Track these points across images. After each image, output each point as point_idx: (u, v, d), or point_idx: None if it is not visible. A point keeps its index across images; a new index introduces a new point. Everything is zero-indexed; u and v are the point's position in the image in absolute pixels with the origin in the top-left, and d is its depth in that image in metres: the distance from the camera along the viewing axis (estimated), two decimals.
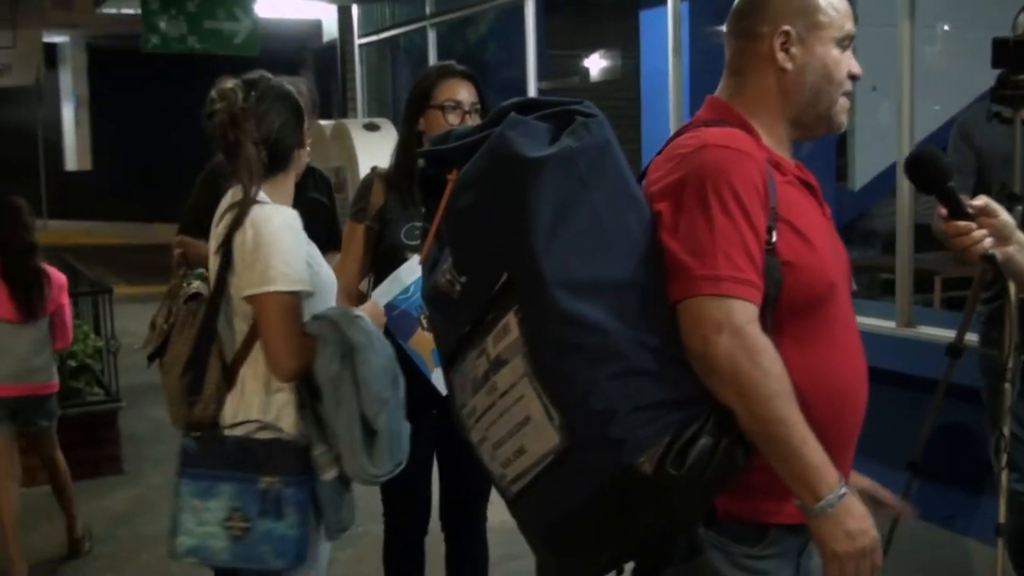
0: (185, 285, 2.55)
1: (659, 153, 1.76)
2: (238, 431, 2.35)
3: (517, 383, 1.61)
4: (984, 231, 1.85)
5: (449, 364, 1.82)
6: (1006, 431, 2.73)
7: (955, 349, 3.05)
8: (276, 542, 2.32)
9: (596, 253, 1.56)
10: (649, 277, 1.57)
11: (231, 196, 2.42)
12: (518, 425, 1.63)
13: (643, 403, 1.53)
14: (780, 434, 1.51)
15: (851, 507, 1.55)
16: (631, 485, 1.53)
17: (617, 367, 1.53)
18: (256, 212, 2.33)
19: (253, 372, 2.37)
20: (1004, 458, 2.72)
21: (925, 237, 4.02)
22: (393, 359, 2.40)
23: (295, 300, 2.33)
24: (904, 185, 4.32)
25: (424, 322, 2.76)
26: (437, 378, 2.75)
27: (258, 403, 2.36)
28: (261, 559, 2.33)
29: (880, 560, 1.58)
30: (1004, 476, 2.74)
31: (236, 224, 2.33)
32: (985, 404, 3.30)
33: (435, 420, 2.95)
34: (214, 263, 2.41)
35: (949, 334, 3.90)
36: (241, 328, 2.38)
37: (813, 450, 1.53)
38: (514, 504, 1.74)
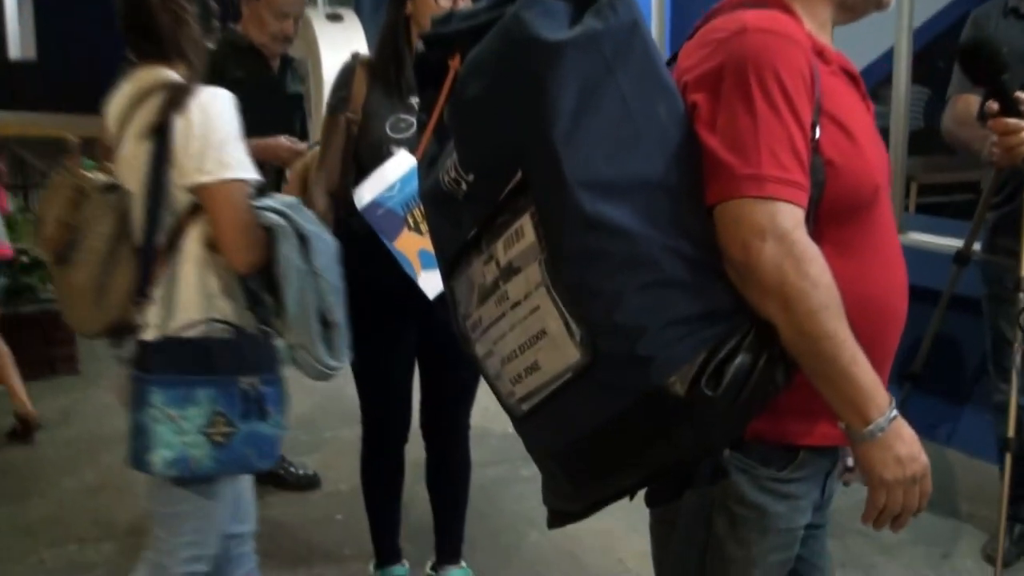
0: (86, 175, 2.32)
1: (690, 38, 1.58)
2: (193, 332, 2.20)
3: (532, 293, 1.45)
4: None
5: (450, 270, 1.66)
6: (1017, 344, 2.63)
7: (963, 257, 2.93)
8: (261, 443, 2.23)
9: (624, 148, 1.39)
10: (682, 176, 1.41)
11: (143, 77, 2.23)
12: (532, 339, 1.48)
13: (675, 317, 1.38)
14: (828, 351, 1.38)
15: (901, 431, 1.43)
16: (659, 406, 1.39)
17: (646, 277, 1.38)
18: (202, 95, 2.16)
19: (193, 268, 2.21)
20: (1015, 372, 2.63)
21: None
22: (337, 248, 2.32)
23: (249, 188, 2.19)
24: (901, 81, 3.92)
25: (411, 222, 2.60)
26: (424, 281, 2.60)
27: (201, 301, 2.21)
28: (245, 463, 2.23)
29: (929, 487, 1.46)
30: (1014, 390, 2.64)
31: (175, 107, 2.14)
32: (986, 314, 3.20)
33: (418, 324, 2.80)
34: (136, 150, 2.19)
35: (938, 240, 3.81)
36: (168, 221, 2.20)
37: (863, 369, 1.40)
38: (523, 423, 1.60)
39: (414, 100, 2.67)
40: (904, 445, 1.42)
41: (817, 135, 1.44)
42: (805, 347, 1.38)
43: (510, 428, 1.64)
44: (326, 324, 2.27)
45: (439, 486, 3.03)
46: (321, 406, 4.71)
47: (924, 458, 1.44)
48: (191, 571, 2.28)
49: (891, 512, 1.46)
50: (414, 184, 2.54)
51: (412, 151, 2.62)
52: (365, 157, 2.67)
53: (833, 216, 1.47)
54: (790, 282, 1.36)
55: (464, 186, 1.53)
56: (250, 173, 2.18)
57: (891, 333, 1.57)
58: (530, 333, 1.48)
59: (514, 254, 1.47)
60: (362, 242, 2.62)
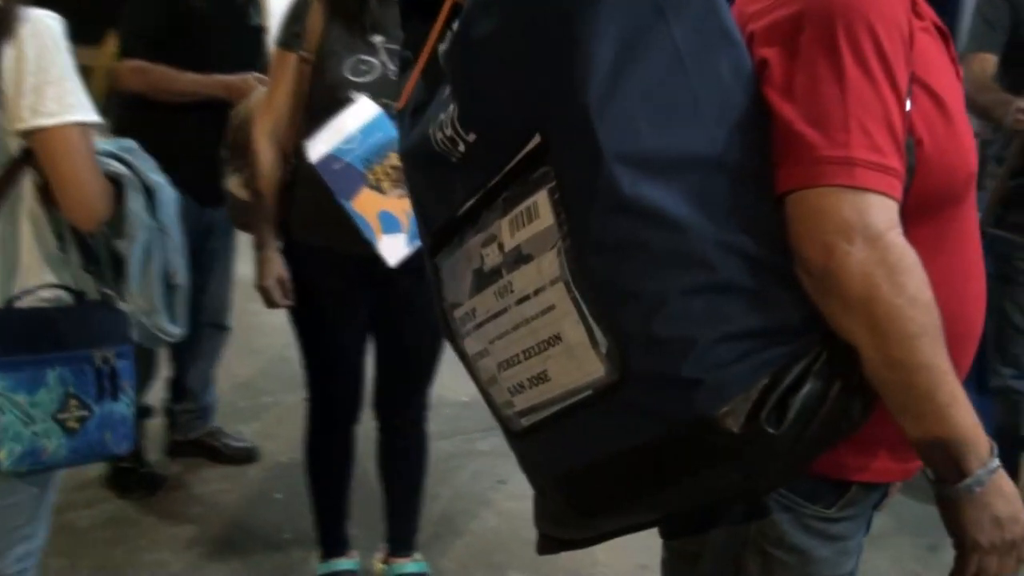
0: None
1: None
2: (32, 300, 1.83)
3: (545, 288, 1.16)
4: None
5: (436, 245, 1.36)
6: None
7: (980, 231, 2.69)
8: (117, 425, 1.90)
9: (674, 115, 1.09)
10: (747, 154, 1.11)
11: None
12: (542, 344, 1.19)
13: (730, 332, 1.09)
14: (923, 386, 1.09)
15: (1002, 486, 1.15)
16: (704, 441, 1.11)
17: (697, 279, 1.09)
18: (32, 18, 1.76)
19: (28, 226, 1.84)
20: None
21: None
22: (179, 200, 2.03)
23: (93, 132, 1.84)
24: None
25: (371, 179, 2.28)
26: (385, 246, 2.29)
27: (39, 264, 1.85)
28: (102, 449, 1.91)
29: None
30: None
31: (3, 33, 1.74)
32: (990, 292, 2.98)
33: (374, 292, 2.49)
34: None
35: None
36: None
37: (964, 411, 1.11)
38: (520, 439, 1.32)
39: (378, 39, 2.34)
40: (1005, 503, 1.14)
41: (907, 107, 1.15)
42: (894, 379, 1.09)
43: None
44: (170, 287, 2.02)
45: (392, 471, 2.73)
46: (262, 370, 4.39)
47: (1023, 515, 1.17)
48: (22, 569, 1.93)
49: None
50: (377, 136, 2.23)
51: (375, 98, 2.29)
52: (320, 103, 2.33)
53: (921, 207, 1.18)
54: (882, 297, 1.07)
55: (462, 147, 1.23)
56: (92, 115, 1.81)
57: (970, 354, 1.29)
58: (540, 337, 1.19)
59: (524, 237, 1.18)
60: (313, 199, 2.31)
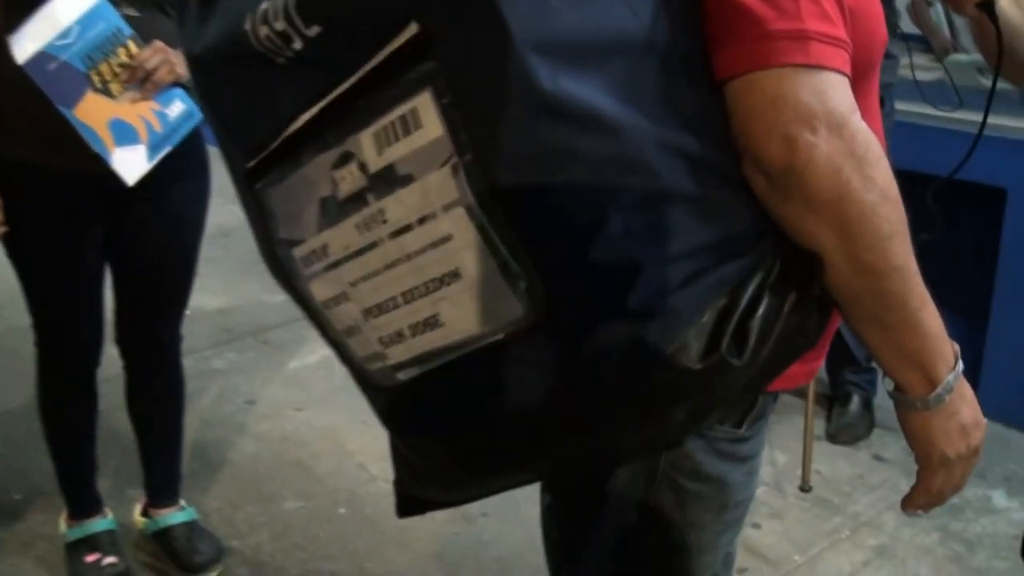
0: None
1: None
2: None
3: (437, 216, 0.93)
4: None
5: (255, 171, 1.09)
6: None
7: None
8: None
9: None
10: (675, 32, 0.91)
11: None
12: (432, 283, 0.96)
13: (680, 249, 0.91)
14: (896, 291, 0.95)
15: (964, 390, 1.03)
16: (650, 380, 0.93)
17: (638, 188, 0.89)
18: None
19: None
20: None
21: None
22: None
23: None
24: None
25: (96, 81, 1.89)
26: (120, 161, 1.92)
27: None
28: None
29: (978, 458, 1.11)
30: None
31: None
32: None
33: (109, 216, 2.12)
34: None
35: None
36: None
37: (933, 312, 0.98)
38: (391, 394, 1.10)
39: None
40: (969, 409, 1.03)
41: None
42: (863, 286, 0.95)
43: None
44: None
45: (146, 413, 2.39)
46: None
47: (983, 420, 1.08)
48: None
49: (943, 497, 1.10)
50: (99, 27, 1.87)
51: None
52: None
53: None
54: (853, 195, 0.90)
55: (298, 43, 0.95)
56: None
57: None
58: (428, 275, 0.96)
59: (399, 154, 0.93)
60: (23, 108, 1.91)
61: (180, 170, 2.06)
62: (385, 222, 0.97)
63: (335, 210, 1.01)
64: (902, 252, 0.94)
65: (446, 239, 0.93)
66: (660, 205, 0.90)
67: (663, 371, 0.91)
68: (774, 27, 0.90)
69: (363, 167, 0.96)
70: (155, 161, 1.95)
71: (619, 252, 0.89)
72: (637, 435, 1.00)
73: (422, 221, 0.94)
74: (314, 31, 0.94)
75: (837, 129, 0.90)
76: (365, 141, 0.95)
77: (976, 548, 2.60)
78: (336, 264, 1.03)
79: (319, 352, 3.54)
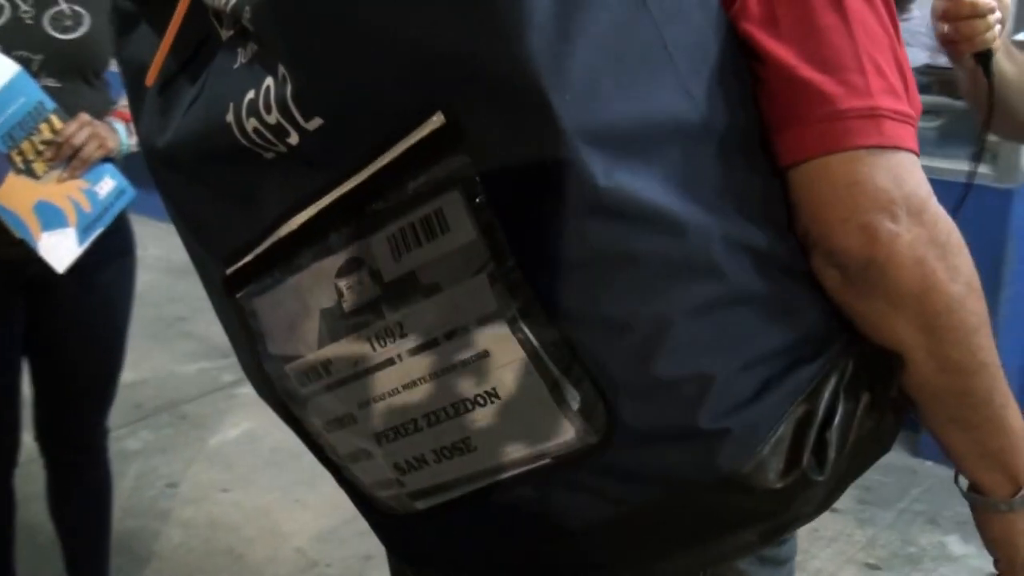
0: None
1: None
2: None
3: (470, 330, 0.81)
4: (997, 15, 1.29)
5: (237, 279, 0.96)
6: None
7: None
8: None
9: (644, 68, 0.78)
10: (731, 115, 0.82)
11: None
12: (463, 404, 0.85)
13: (751, 357, 0.81)
14: (982, 390, 0.86)
15: None
16: (725, 502, 0.83)
17: (706, 291, 0.79)
18: None
19: None
20: None
21: None
22: None
23: None
24: None
25: (18, 161, 1.72)
26: (48, 247, 1.76)
27: None
28: None
29: None
30: None
31: None
32: None
33: (27, 303, 1.94)
34: None
35: None
36: None
37: (1015, 411, 0.90)
38: (405, 522, 0.97)
39: None
40: None
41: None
42: (949, 385, 0.86)
43: None
44: None
45: (70, 515, 2.20)
46: None
47: None
48: None
49: None
50: (19, 102, 1.71)
51: (7, 51, 1.73)
52: None
53: None
54: (940, 287, 0.82)
55: (294, 138, 0.83)
56: None
57: None
58: (457, 395, 0.85)
59: (421, 261, 0.82)
60: None
61: (107, 250, 1.89)
62: (404, 336, 0.85)
63: (340, 323, 0.88)
64: (987, 346, 0.85)
65: (481, 356, 0.82)
66: (728, 308, 0.80)
67: (739, 494, 0.81)
68: (845, 106, 0.81)
69: (375, 275, 0.84)
70: (87, 244, 1.80)
71: (686, 365, 0.79)
72: (696, 560, 0.90)
73: (450, 336, 0.82)
74: (315, 124, 0.82)
75: (918, 215, 0.81)
76: (378, 246, 0.83)
77: None
78: (342, 383, 0.91)
79: (241, 425, 3.37)
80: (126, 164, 1.90)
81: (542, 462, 0.84)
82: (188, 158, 0.93)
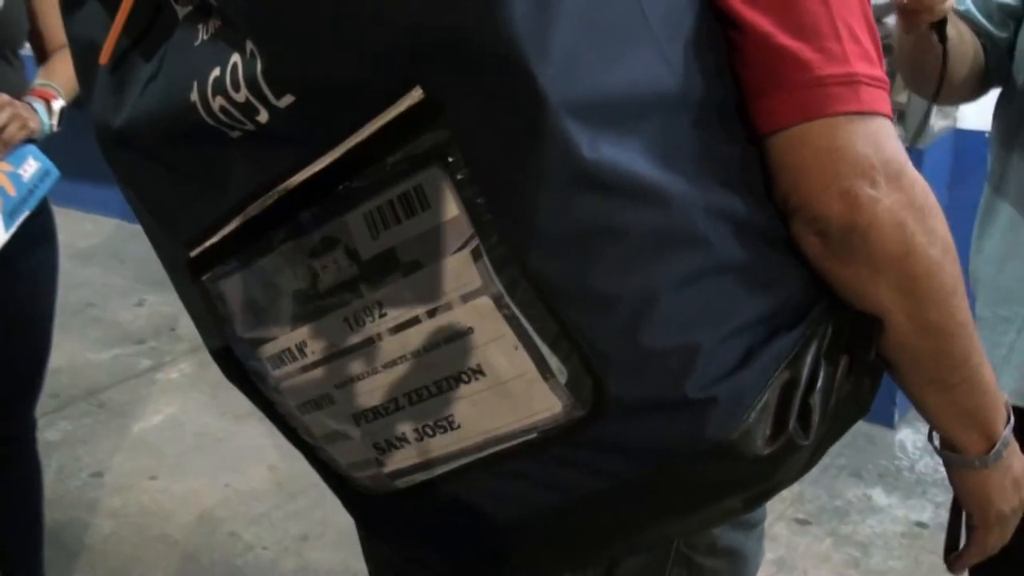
0: None
1: None
2: None
3: (453, 307, 0.80)
4: None
5: (201, 262, 0.93)
6: None
7: None
8: None
9: (625, 39, 0.77)
10: (708, 84, 0.82)
11: None
12: (447, 382, 0.84)
13: (735, 325, 0.82)
14: (960, 350, 0.88)
15: (1012, 444, 0.98)
16: (713, 470, 0.84)
17: (691, 262, 0.80)
18: None
19: None
20: None
21: None
22: None
23: None
24: None
25: None
26: None
27: None
28: None
29: None
30: None
31: None
32: None
33: None
34: None
35: None
36: None
37: (988, 368, 0.93)
38: (382, 501, 0.97)
39: None
40: (1018, 460, 0.98)
41: None
42: (928, 346, 0.87)
43: None
44: None
45: (1, 515, 2.14)
46: None
47: None
48: None
49: (993, 552, 1.04)
50: None
51: None
52: None
53: None
54: (919, 251, 0.83)
55: (263, 116, 0.81)
56: None
57: None
58: (441, 373, 0.84)
59: (400, 238, 0.80)
60: None
61: (31, 235, 1.83)
62: (383, 315, 0.84)
63: (314, 303, 0.87)
64: (963, 307, 0.87)
65: (464, 333, 0.81)
66: (712, 278, 0.80)
67: (728, 461, 0.82)
68: (823, 72, 0.82)
69: (352, 254, 0.83)
70: (13, 229, 1.73)
71: (672, 336, 0.79)
72: (681, 527, 0.91)
73: (432, 313, 0.81)
74: (286, 101, 0.80)
75: (896, 180, 0.82)
76: (354, 224, 0.82)
77: (870, 550, 2.63)
78: (317, 364, 0.90)
79: (163, 412, 3.30)
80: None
81: (528, 437, 0.84)
82: (146, 137, 0.90)
